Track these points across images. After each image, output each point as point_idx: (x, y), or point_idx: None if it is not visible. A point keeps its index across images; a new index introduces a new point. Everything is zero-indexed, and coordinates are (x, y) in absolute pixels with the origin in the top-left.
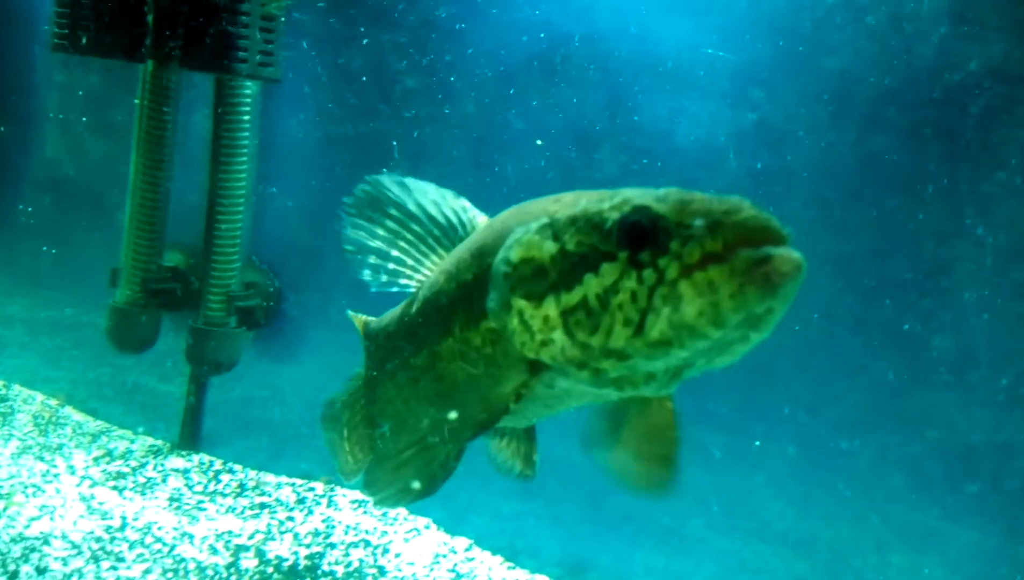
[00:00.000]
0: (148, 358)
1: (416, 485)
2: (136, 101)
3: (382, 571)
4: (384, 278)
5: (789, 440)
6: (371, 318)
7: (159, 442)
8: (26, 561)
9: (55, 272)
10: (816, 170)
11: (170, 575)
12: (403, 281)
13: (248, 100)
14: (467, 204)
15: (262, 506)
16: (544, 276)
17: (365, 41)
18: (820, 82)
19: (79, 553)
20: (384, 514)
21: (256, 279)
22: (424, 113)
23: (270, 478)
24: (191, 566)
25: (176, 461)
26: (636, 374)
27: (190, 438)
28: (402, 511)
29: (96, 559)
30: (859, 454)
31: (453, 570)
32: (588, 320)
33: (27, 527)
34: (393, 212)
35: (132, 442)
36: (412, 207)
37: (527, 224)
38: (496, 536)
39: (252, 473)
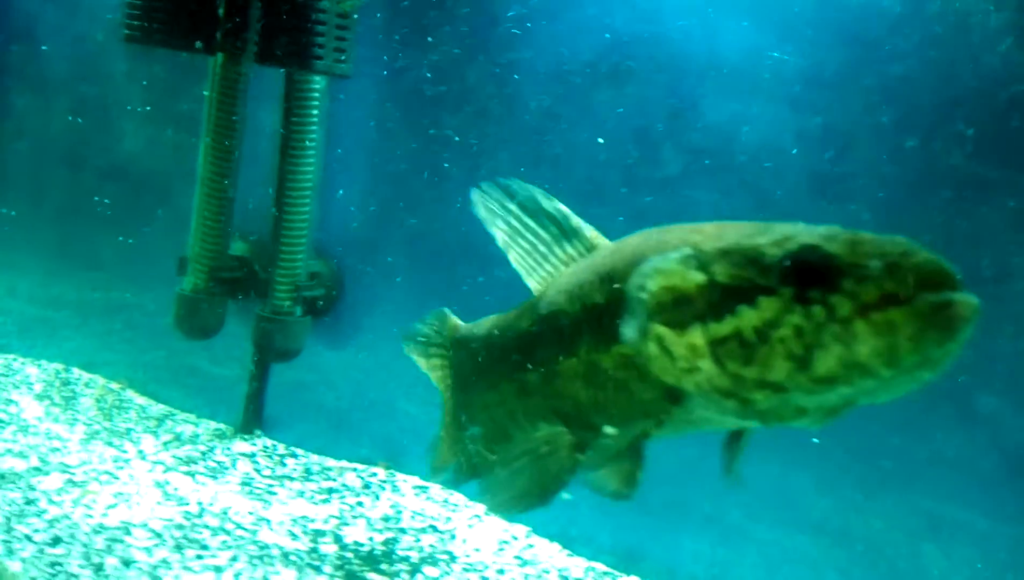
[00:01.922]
0: (197, 342)
1: (530, 495)
2: (206, 93)
3: (452, 557)
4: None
5: (838, 436)
6: (462, 322)
7: (222, 426)
8: (110, 552)
9: (106, 255)
10: (879, 176)
11: (256, 562)
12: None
13: (317, 95)
14: (568, 211)
15: (330, 491)
16: (688, 305)
17: (430, 39)
18: (885, 88)
19: (162, 542)
20: (445, 501)
21: (319, 269)
22: (486, 110)
23: (332, 462)
24: (275, 552)
25: (241, 445)
26: (787, 408)
27: (253, 422)
28: (462, 498)
29: (180, 548)
30: (909, 451)
31: (518, 556)
32: (742, 351)
33: (105, 516)
34: (509, 220)
35: (196, 426)
36: (544, 205)
37: (664, 253)
38: (550, 524)
39: (314, 457)
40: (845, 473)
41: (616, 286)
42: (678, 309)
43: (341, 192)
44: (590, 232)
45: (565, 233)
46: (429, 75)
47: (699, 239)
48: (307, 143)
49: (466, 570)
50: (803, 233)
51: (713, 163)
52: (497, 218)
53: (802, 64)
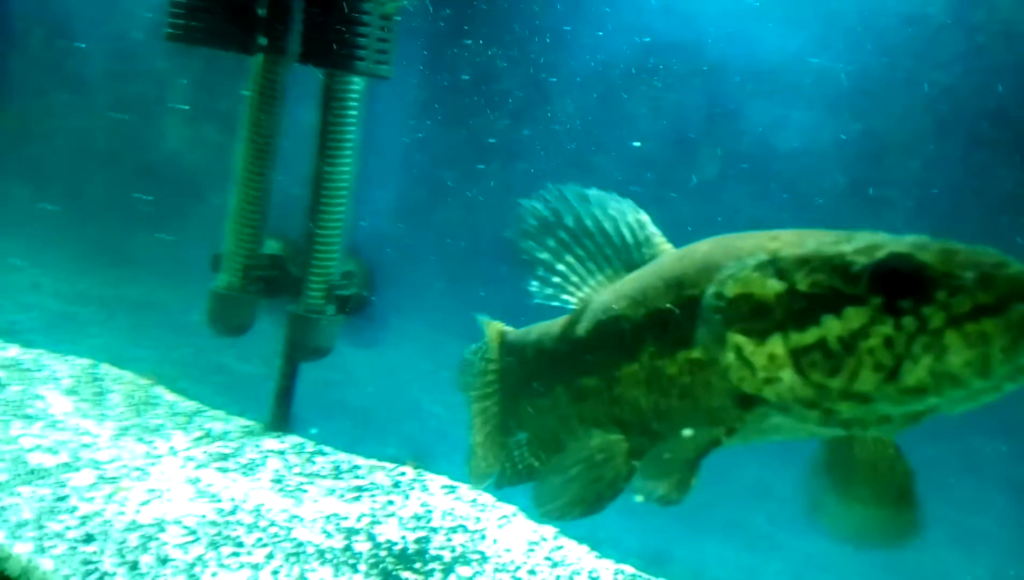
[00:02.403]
0: (227, 339)
1: (584, 501)
2: (245, 92)
3: (484, 557)
4: (549, 290)
5: None
6: (510, 328)
7: (251, 423)
8: (145, 550)
9: (137, 252)
10: (919, 183)
11: (292, 559)
12: (565, 296)
13: (356, 96)
14: (646, 219)
15: (360, 489)
16: (767, 314)
17: (468, 41)
18: (927, 96)
19: (197, 539)
20: (473, 501)
21: (352, 269)
22: (522, 113)
23: (360, 461)
24: (310, 550)
25: (271, 442)
26: (871, 416)
27: (282, 419)
28: (490, 498)
29: (215, 545)
30: (941, 460)
31: (548, 557)
32: (827, 361)
33: (138, 513)
34: (569, 224)
35: (226, 422)
36: (589, 222)
37: (740, 259)
38: (578, 526)
39: (343, 455)
40: None
41: (684, 292)
42: (756, 317)
43: (383, 195)
44: (659, 239)
45: (638, 241)
46: (466, 77)
47: (777, 246)
48: (345, 144)
49: (498, 570)
50: (889, 242)
51: (751, 168)
52: (546, 234)
53: (843, 70)
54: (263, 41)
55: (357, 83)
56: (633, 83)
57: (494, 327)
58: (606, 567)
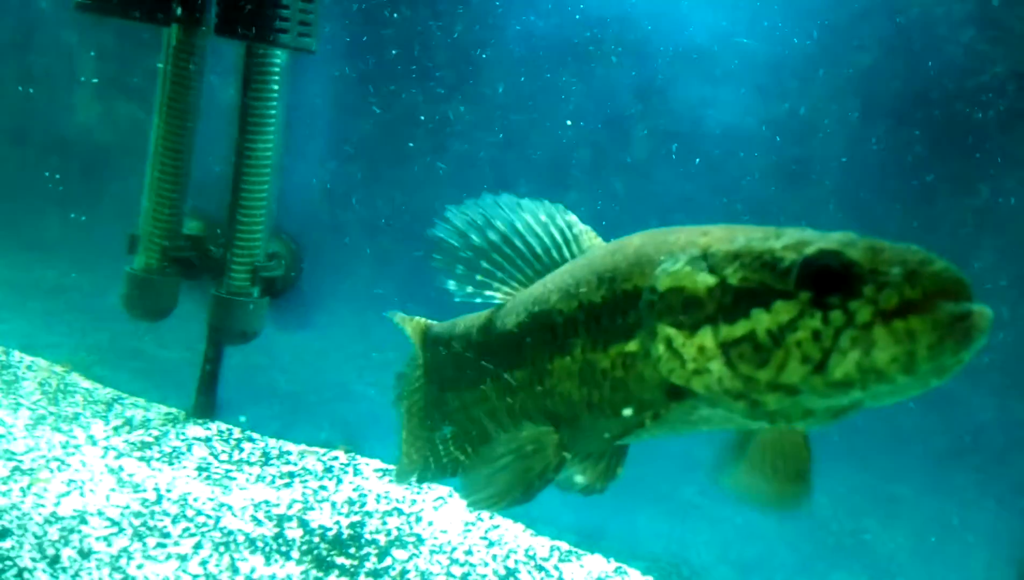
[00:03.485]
0: (146, 324)
1: (513, 492)
2: (160, 65)
3: (420, 539)
4: (470, 289)
5: None
6: (432, 322)
7: (174, 410)
8: (66, 544)
9: (48, 233)
10: (842, 162)
11: (221, 549)
12: (489, 293)
13: (278, 70)
14: (574, 219)
15: (290, 475)
16: (698, 307)
17: (395, 15)
18: (851, 77)
19: (120, 531)
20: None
21: (278, 249)
22: (453, 90)
23: (291, 446)
24: (240, 538)
25: (195, 429)
26: (796, 409)
27: (206, 406)
28: None
29: (140, 536)
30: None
31: (485, 537)
32: (755, 354)
33: (58, 505)
34: (499, 226)
35: (147, 410)
36: (520, 225)
37: (672, 254)
38: None
39: (272, 442)
40: None
41: (617, 285)
42: (688, 311)
43: (309, 173)
44: (589, 236)
45: (567, 240)
46: (394, 52)
47: (708, 241)
48: (267, 120)
49: (434, 551)
50: (818, 238)
51: (680, 147)
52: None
53: (770, 51)
54: (178, 11)
55: (279, 57)
56: (564, 61)
57: (416, 323)
58: (542, 544)
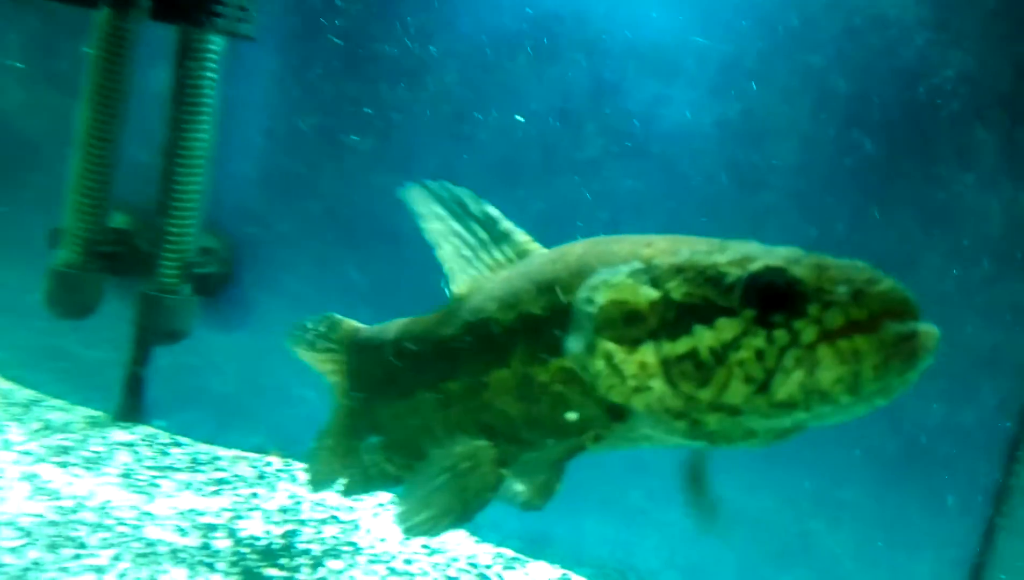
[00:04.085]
0: (68, 322)
1: (450, 514)
2: (88, 51)
3: (357, 548)
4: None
5: None
6: (361, 325)
7: (97, 413)
8: None
9: None
10: (795, 163)
11: (141, 560)
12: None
13: (215, 57)
14: (512, 226)
15: (220, 482)
16: (639, 322)
17: (340, 3)
18: (804, 78)
19: (32, 542)
20: None
21: (211, 245)
22: (400, 82)
23: (222, 451)
24: (162, 549)
25: (119, 434)
26: (737, 430)
27: (132, 409)
28: None
29: (54, 547)
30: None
31: (426, 545)
32: (697, 372)
33: None
34: (452, 208)
35: (69, 413)
36: (472, 208)
37: (613, 265)
38: None
39: (202, 447)
40: (740, 453)
41: (557, 297)
42: (628, 325)
43: (245, 165)
44: (522, 237)
45: (493, 238)
46: (339, 41)
47: (651, 253)
48: (202, 109)
49: (372, 561)
50: (763, 254)
51: (633, 146)
52: (427, 218)
53: (724, 50)
54: None
55: (216, 42)
56: (515, 55)
57: (345, 325)
58: (486, 551)
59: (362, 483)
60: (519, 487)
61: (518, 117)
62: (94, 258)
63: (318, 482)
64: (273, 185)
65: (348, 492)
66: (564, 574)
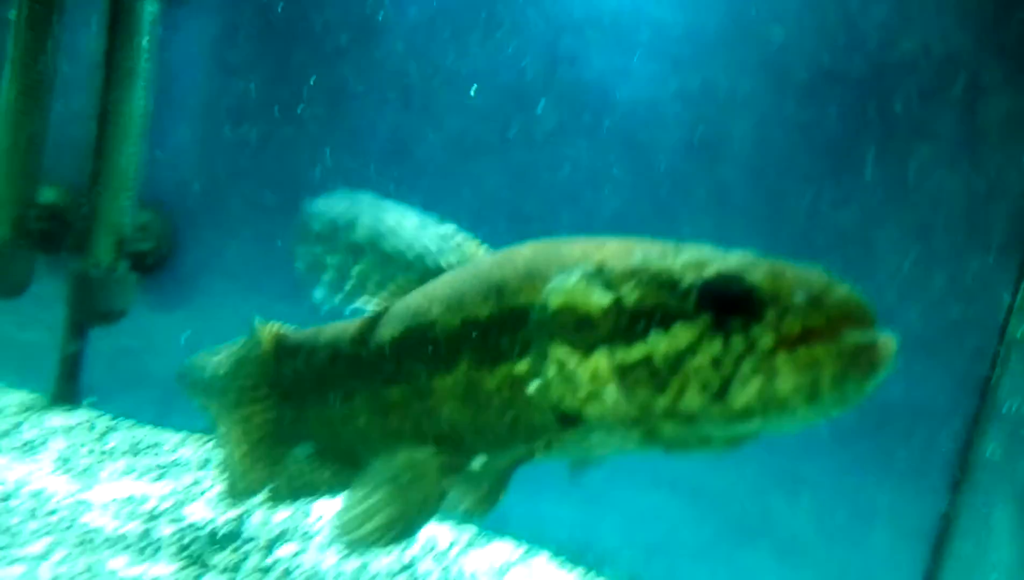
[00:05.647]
0: (3, 302)
1: (392, 528)
2: (11, 15)
3: (307, 534)
4: (339, 297)
5: None
6: (287, 329)
7: (32, 396)
8: None
9: None
10: (753, 137)
11: (79, 550)
12: (360, 301)
13: (149, 20)
14: (453, 230)
15: (162, 467)
16: (592, 327)
17: None
18: (763, 50)
19: None
20: None
21: (148, 221)
22: (348, 50)
23: (165, 436)
24: (101, 537)
25: (55, 419)
26: (693, 437)
27: (68, 393)
28: None
29: None
30: None
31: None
32: (652, 379)
33: None
34: (364, 227)
35: (2, 396)
36: (387, 227)
37: (563, 268)
38: None
39: (143, 431)
40: None
41: (506, 300)
42: (581, 331)
43: (183, 135)
44: (462, 239)
45: (443, 248)
46: (282, 5)
47: (603, 257)
48: (135, 76)
49: (323, 547)
50: (718, 258)
51: (591, 119)
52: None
53: (683, 22)
54: None
55: (150, 6)
56: (469, 26)
57: (268, 330)
58: (443, 533)
59: (288, 492)
60: (462, 496)
61: (472, 90)
62: (23, 234)
63: (237, 493)
64: (215, 158)
65: (274, 502)
66: (524, 554)
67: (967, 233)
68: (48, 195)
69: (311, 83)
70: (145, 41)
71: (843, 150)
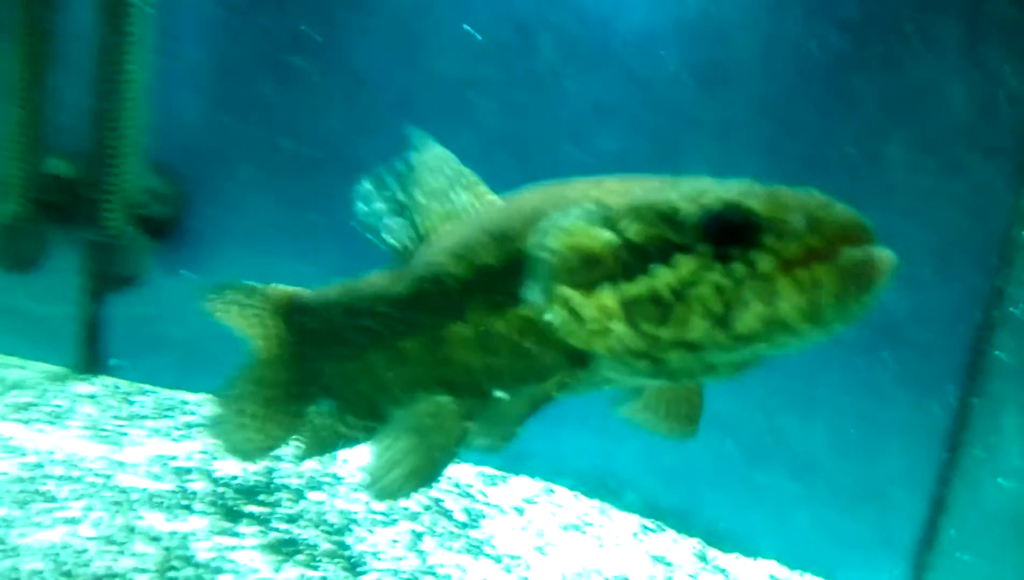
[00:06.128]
0: (14, 277)
1: (418, 474)
2: None
3: (336, 478)
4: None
5: None
6: (301, 290)
7: (55, 367)
8: None
9: None
10: (756, 63)
11: (115, 509)
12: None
13: None
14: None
15: (189, 426)
16: (596, 265)
17: None
18: None
19: (0, 499)
20: None
21: (158, 186)
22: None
23: (188, 396)
24: (135, 496)
25: (81, 386)
26: (699, 366)
27: (91, 361)
28: None
29: (22, 503)
30: None
31: None
32: (657, 311)
33: None
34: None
35: (24, 369)
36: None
37: (565, 209)
38: None
39: (166, 393)
40: None
41: (512, 245)
42: (585, 269)
43: (189, 99)
44: (481, 188)
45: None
46: None
47: (603, 195)
48: (136, 41)
49: (353, 490)
50: (715, 188)
51: (591, 51)
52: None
53: None
54: None
55: None
56: None
57: (276, 292)
58: (467, 471)
59: (316, 447)
60: (481, 438)
61: (467, 27)
62: (34, 207)
63: (252, 450)
64: (220, 119)
65: (303, 457)
66: (546, 486)
67: (973, 143)
68: (57, 167)
69: (308, 37)
70: (149, 7)
71: (846, 66)
